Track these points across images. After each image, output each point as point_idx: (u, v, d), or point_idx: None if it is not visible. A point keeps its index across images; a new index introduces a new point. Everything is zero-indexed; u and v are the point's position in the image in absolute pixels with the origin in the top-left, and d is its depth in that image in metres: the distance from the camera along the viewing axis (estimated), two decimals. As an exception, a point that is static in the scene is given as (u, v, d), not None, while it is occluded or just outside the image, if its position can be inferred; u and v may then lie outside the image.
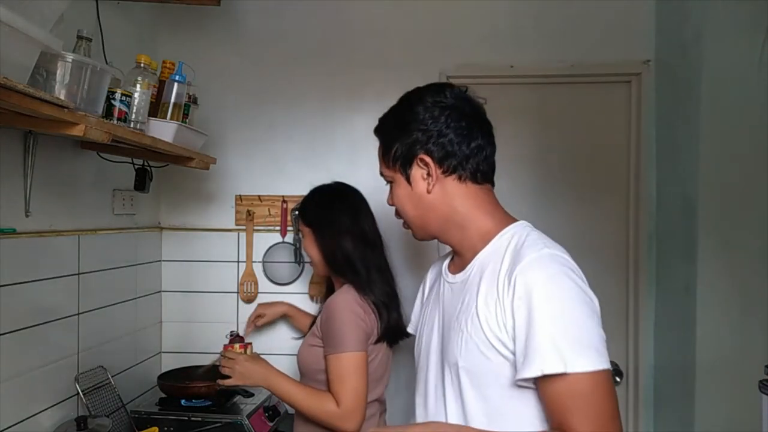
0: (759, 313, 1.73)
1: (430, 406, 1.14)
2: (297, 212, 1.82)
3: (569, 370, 0.90)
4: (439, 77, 2.13)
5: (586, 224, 2.17)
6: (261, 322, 2.06)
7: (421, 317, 1.30)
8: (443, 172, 1.09)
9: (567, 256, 1.01)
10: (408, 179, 1.11)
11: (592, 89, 2.18)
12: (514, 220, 1.12)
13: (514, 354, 0.97)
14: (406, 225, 1.18)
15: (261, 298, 2.21)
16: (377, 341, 1.64)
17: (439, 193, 1.10)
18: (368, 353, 1.61)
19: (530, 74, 2.16)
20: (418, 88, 1.15)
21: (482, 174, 1.10)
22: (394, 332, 1.70)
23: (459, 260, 1.16)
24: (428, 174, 1.09)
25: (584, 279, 1.00)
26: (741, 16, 1.75)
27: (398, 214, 1.19)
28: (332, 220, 1.69)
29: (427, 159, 1.09)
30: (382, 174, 1.17)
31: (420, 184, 1.10)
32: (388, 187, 1.18)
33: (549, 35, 2.15)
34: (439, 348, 1.13)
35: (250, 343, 1.83)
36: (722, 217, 1.78)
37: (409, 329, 1.43)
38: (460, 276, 1.12)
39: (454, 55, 2.15)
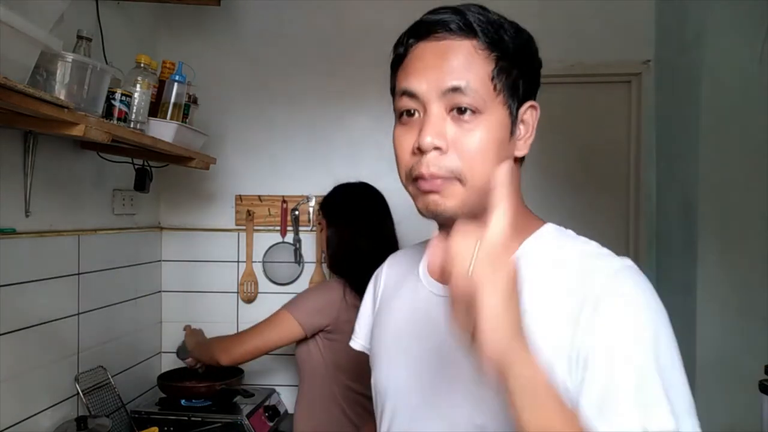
0: (759, 313, 1.73)
1: None
2: (318, 206, 1.90)
3: (681, 430, 0.61)
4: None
5: (586, 224, 2.12)
6: None
7: (376, 338, 0.93)
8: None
9: None
10: (514, 121, 0.76)
11: (592, 89, 2.18)
12: (541, 221, 0.87)
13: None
14: (421, 187, 0.73)
15: (261, 298, 2.21)
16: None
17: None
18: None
19: (530, 74, 2.16)
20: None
21: None
22: None
23: None
24: (525, 131, 0.79)
25: None
26: (741, 16, 1.75)
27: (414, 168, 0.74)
28: (351, 218, 1.72)
29: (537, 111, 0.79)
30: (455, 89, 0.72)
31: (518, 136, 0.78)
32: (438, 116, 0.73)
33: (549, 35, 2.11)
34: (431, 398, 0.79)
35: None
36: (722, 217, 1.78)
37: (354, 345, 1.04)
38: None
39: (454, 55, 2.15)
